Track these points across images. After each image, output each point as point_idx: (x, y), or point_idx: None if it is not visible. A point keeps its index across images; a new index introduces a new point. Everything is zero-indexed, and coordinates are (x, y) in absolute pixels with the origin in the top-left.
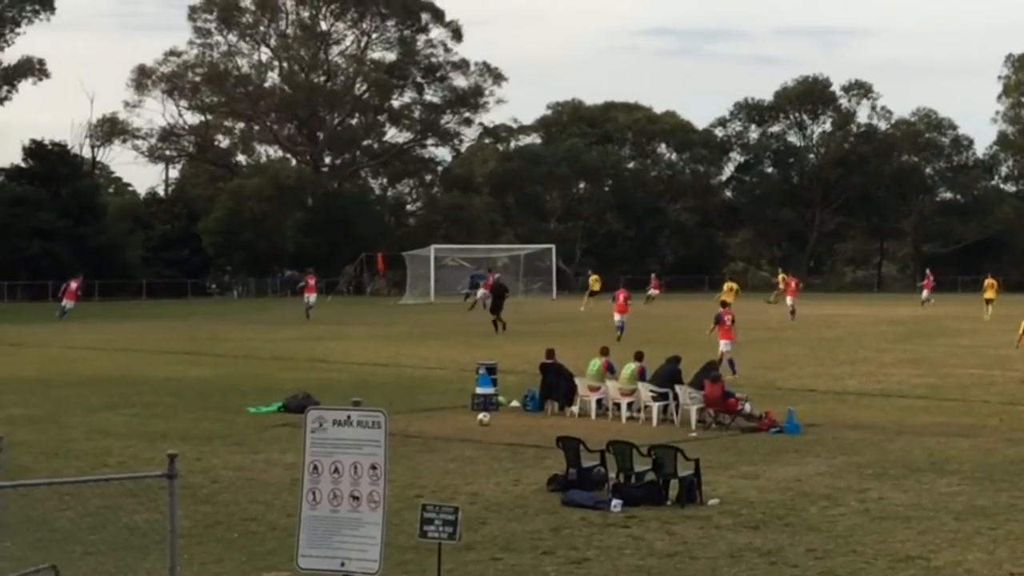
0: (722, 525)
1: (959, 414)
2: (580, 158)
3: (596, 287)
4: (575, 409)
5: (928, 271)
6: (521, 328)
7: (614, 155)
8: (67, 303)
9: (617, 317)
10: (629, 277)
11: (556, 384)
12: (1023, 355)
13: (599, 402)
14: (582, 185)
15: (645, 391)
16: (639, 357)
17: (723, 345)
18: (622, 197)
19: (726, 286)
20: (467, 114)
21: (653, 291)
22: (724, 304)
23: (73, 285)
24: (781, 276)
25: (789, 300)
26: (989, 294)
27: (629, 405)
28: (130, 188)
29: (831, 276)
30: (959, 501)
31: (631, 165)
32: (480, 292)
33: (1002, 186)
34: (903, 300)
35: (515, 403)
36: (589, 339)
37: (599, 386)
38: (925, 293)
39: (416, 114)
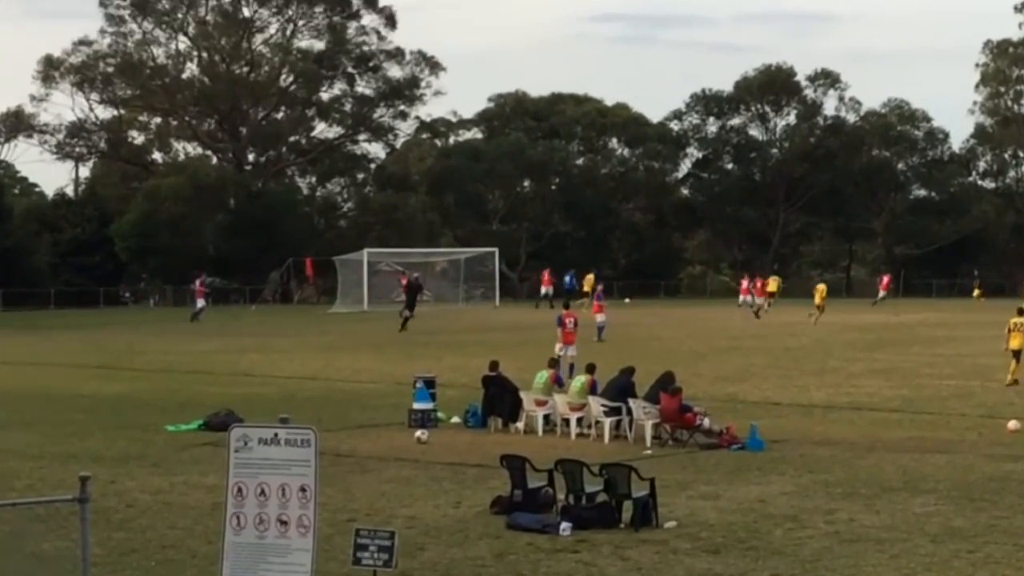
0: (680, 549)
1: (935, 428)
2: (524, 154)
3: (588, 287)
4: (520, 425)
5: (884, 278)
6: (462, 338)
7: (561, 151)
8: None
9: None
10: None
11: (500, 398)
12: (1005, 363)
13: (546, 418)
14: (527, 183)
15: (596, 405)
16: (590, 369)
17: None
18: (570, 196)
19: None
20: (402, 107)
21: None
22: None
23: None
24: (819, 291)
25: (758, 300)
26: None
27: (579, 420)
28: (37, 188)
29: (796, 280)
30: (935, 522)
31: (580, 162)
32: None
33: (980, 182)
34: (875, 306)
35: (456, 419)
36: (535, 350)
37: (546, 400)
38: (881, 293)
39: (347, 107)
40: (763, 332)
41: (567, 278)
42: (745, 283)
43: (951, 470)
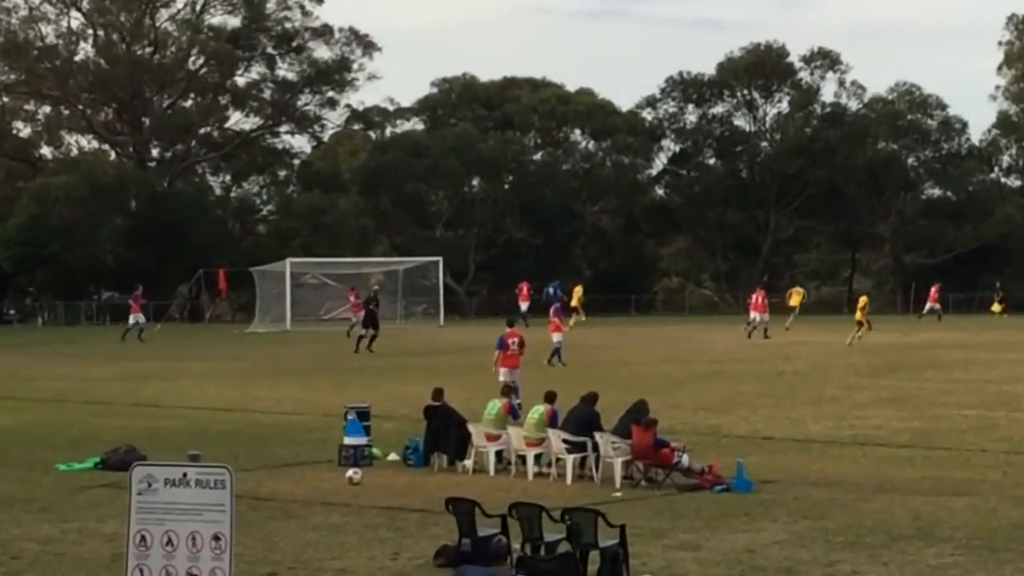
0: None
1: (952, 466)
2: (473, 148)
3: (577, 301)
4: (469, 463)
5: (932, 288)
6: (401, 362)
7: (516, 144)
8: None
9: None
10: (535, 299)
11: (445, 432)
12: None
13: (499, 454)
14: (476, 182)
15: (557, 440)
16: (549, 399)
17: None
18: (527, 197)
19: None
20: (330, 93)
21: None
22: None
23: None
24: (861, 304)
25: (756, 316)
26: None
27: (537, 458)
28: None
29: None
30: None
31: (537, 156)
32: (348, 311)
33: (1004, 180)
34: (881, 323)
35: (393, 456)
36: (486, 376)
37: (499, 434)
38: (929, 305)
39: (266, 94)
40: (752, 355)
41: (550, 289)
42: (756, 298)
43: (971, 515)
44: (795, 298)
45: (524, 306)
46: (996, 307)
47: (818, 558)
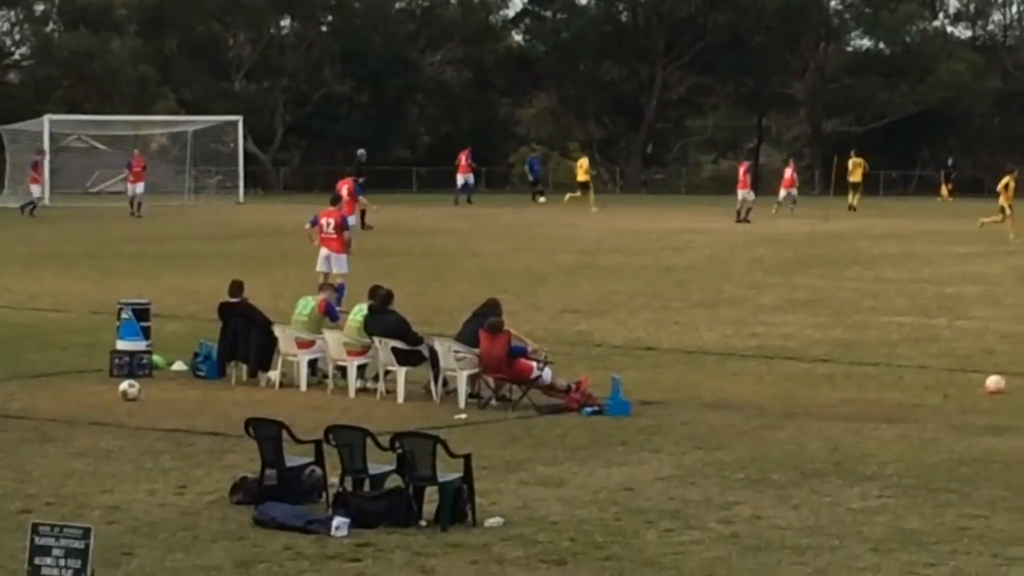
0: (507, 558)
1: (881, 387)
2: None
3: (584, 176)
4: (274, 375)
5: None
6: (190, 247)
7: None
8: None
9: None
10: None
11: (244, 336)
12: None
13: (312, 365)
14: (285, 23)
15: (385, 348)
16: (376, 295)
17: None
18: (349, 43)
19: None
20: None
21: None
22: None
23: None
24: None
25: (743, 194)
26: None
27: (361, 369)
28: None
29: (680, 169)
30: (879, 523)
31: None
32: (122, 183)
33: (950, 29)
34: (796, 207)
35: (179, 365)
36: (298, 266)
37: (313, 340)
38: (783, 192)
39: None
40: (632, 245)
41: (530, 162)
42: (790, 171)
43: (904, 448)
44: (857, 172)
45: (462, 180)
46: (944, 189)
47: (712, 498)
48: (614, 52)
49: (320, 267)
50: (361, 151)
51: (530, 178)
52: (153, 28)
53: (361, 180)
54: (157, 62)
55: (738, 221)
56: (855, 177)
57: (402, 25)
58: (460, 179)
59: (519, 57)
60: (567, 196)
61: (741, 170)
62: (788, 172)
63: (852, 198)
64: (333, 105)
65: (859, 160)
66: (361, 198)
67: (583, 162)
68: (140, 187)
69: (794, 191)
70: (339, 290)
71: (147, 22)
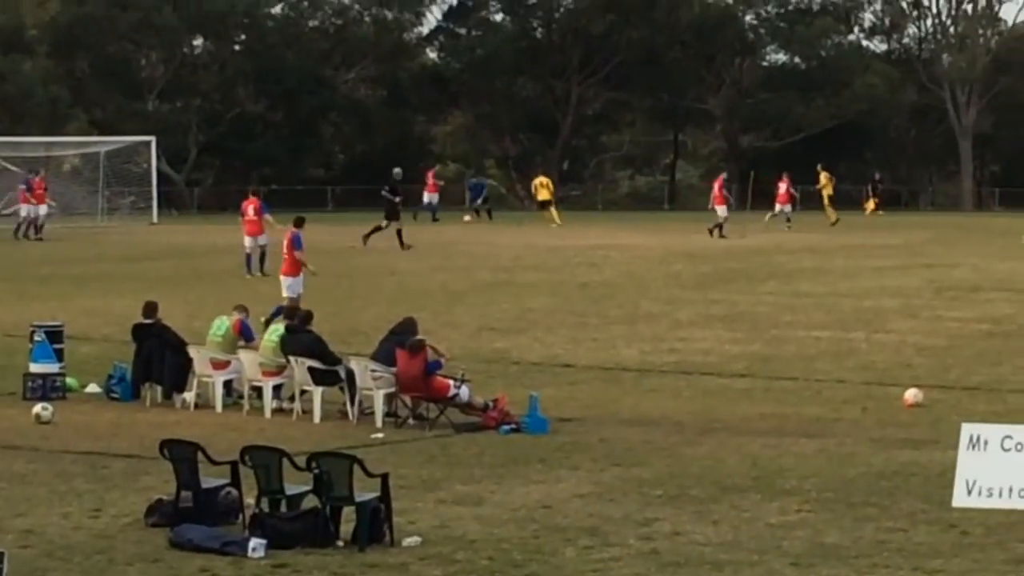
0: None
1: (799, 401)
2: None
3: (547, 194)
4: (189, 396)
5: (782, 183)
6: (103, 269)
7: None
8: None
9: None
10: (273, 189)
11: (159, 358)
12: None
13: (228, 385)
14: (198, 43)
15: (301, 368)
16: (293, 315)
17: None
18: (263, 62)
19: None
20: None
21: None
22: None
23: None
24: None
25: (720, 210)
26: None
27: (277, 390)
28: None
29: (596, 185)
30: (799, 537)
31: (277, 10)
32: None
33: (865, 43)
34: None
35: (93, 387)
36: (212, 286)
37: (228, 360)
38: (776, 208)
39: None
40: (548, 262)
41: (470, 186)
42: (784, 186)
43: (823, 462)
44: (829, 185)
45: (428, 199)
46: (870, 204)
47: (631, 515)
48: (529, 68)
49: (247, 245)
50: (397, 169)
51: (478, 202)
52: (64, 49)
53: (398, 200)
54: (69, 83)
55: (720, 236)
56: (829, 190)
57: (316, 43)
58: (426, 197)
59: (434, 74)
60: (552, 224)
61: (716, 185)
62: (782, 187)
63: (831, 214)
64: (247, 124)
65: (828, 174)
66: (267, 216)
67: (543, 180)
68: (43, 209)
69: (788, 208)
70: (261, 259)
71: (58, 43)
